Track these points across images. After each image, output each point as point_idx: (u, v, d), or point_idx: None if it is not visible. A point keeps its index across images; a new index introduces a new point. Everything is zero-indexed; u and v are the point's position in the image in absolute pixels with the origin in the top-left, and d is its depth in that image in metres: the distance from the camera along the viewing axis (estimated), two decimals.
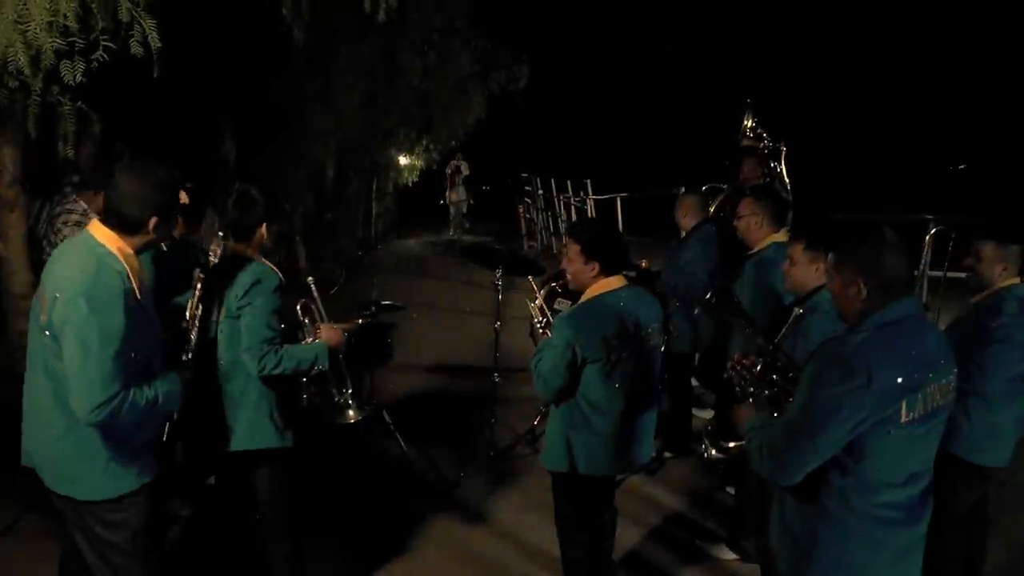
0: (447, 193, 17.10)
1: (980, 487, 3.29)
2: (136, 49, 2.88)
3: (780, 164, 5.95)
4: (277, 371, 2.77)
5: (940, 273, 6.14)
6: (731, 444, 2.39)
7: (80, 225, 4.31)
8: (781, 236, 3.71)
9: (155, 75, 3.00)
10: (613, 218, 9.04)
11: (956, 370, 2.00)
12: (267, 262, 2.87)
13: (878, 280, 1.93)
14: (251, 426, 2.86)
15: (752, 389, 2.29)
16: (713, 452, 2.41)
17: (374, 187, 14.83)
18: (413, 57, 8.58)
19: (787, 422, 1.97)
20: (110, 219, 2.27)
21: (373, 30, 6.42)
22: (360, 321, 4.30)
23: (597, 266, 2.87)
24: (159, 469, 2.44)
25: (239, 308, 2.75)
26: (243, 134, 7.41)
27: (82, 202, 4.35)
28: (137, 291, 2.26)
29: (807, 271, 2.84)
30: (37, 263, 4.54)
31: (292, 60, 6.03)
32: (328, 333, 3.04)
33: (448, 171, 16.84)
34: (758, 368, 2.32)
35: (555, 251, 13.74)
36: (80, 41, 2.81)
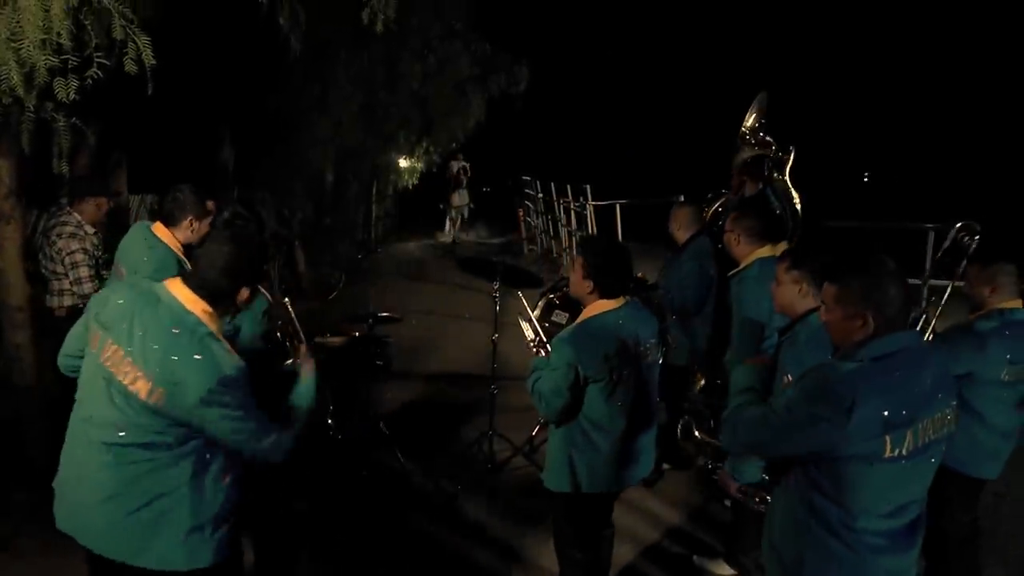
0: (450, 195, 16.57)
1: (974, 503, 3.29)
2: (130, 67, 2.86)
3: (783, 174, 5.87)
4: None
5: (945, 282, 6.08)
6: (699, 434, 2.44)
7: (75, 237, 4.30)
8: (766, 251, 3.69)
9: (150, 92, 2.99)
10: (617, 236, 9.00)
11: (955, 402, 1.99)
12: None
13: (884, 313, 1.91)
14: None
15: None
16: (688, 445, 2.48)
17: (374, 190, 14.82)
18: (413, 63, 8.56)
19: (766, 412, 2.02)
20: (199, 287, 2.10)
21: (372, 37, 6.40)
22: (356, 334, 4.29)
23: (592, 285, 2.87)
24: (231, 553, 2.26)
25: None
26: (242, 141, 7.40)
27: (76, 214, 4.34)
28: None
29: (790, 291, 2.79)
30: (33, 275, 4.53)
31: (291, 68, 6.01)
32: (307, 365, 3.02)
33: (453, 172, 16.45)
34: None
35: (555, 254, 13.73)
36: (74, 59, 2.80)
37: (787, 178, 5.90)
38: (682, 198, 6.74)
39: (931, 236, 6.22)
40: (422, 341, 7.75)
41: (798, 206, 5.89)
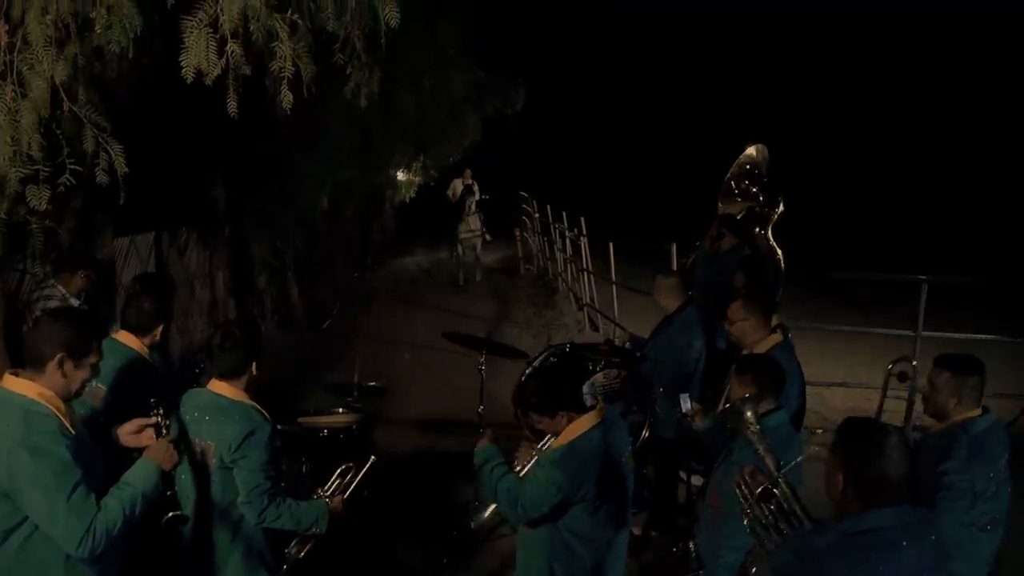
0: (458, 225, 13.12)
1: None
2: (102, 178, 2.83)
3: (766, 229, 5.83)
4: (276, 524, 2.75)
5: (938, 334, 6.08)
6: None
7: None
8: (778, 336, 3.72)
9: (122, 202, 2.95)
10: (611, 273, 8.96)
11: None
12: (256, 405, 2.77)
13: (858, 482, 1.87)
14: (243, 570, 2.79)
15: (749, 509, 2.35)
16: None
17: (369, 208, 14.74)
18: (407, 95, 8.52)
19: None
20: (24, 366, 2.28)
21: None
22: (341, 410, 4.26)
23: (560, 414, 2.88)
24: None
25: (232, 460, 2.66)
26: (233, 182, 7.36)
27: (60, 287, 4.29)
28: (70, 428, 2.28)
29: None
30: (12, 339, 4.49)
31: (280, 116, 5.96)
32: (336, 503, 3.03)
33: (457, 194, 13.73)
34: (760, 490, 2.34)
35: (550, 275, 13.71)
36: (45, 169, 2.76)
37: (769, 233, 5.88)
38: (673, 248, 6.71)
39: (924, 288, 6.17)
40: (413, 380, 7.70)
41: (781, 262, 5.88)
